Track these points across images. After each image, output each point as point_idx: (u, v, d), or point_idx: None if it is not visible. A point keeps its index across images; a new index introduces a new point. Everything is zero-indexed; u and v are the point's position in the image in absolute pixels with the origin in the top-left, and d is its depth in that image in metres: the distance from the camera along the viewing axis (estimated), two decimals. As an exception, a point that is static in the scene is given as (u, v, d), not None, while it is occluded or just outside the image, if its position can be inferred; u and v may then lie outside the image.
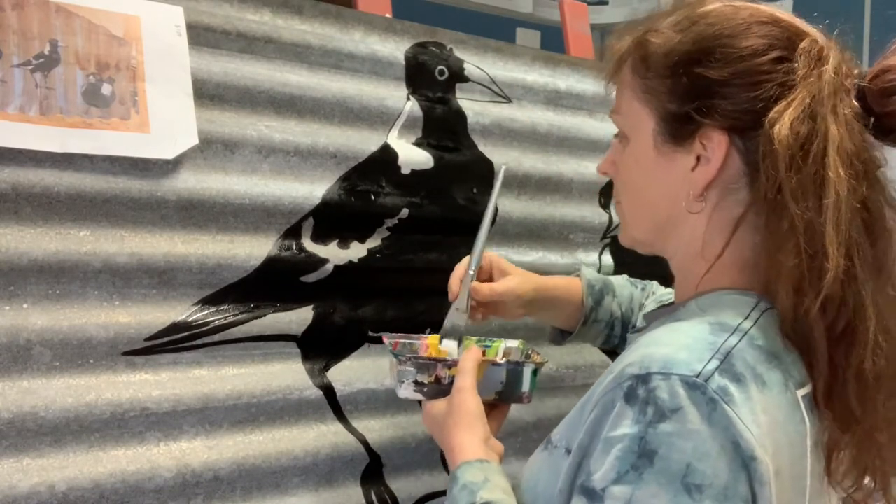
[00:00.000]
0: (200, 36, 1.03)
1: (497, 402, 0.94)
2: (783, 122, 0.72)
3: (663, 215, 0.81)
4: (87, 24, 0.94)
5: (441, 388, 0.91)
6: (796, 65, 0.74)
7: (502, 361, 0.94)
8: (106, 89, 0.94)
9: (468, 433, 0.84)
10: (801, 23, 0.78)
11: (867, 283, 0.72)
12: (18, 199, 0.90)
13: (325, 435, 1.09)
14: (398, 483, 1.14)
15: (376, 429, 1.13)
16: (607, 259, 1.45)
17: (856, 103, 0.75)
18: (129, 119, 0.95)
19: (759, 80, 0.75)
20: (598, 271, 1.31)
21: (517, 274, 1.09)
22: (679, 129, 0.78)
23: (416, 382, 0.92)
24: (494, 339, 1.06)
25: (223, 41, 1.06)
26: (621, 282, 1.18)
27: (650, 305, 1.13)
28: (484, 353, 0.96)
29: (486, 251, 1.06)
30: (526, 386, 0.94)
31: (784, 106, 0.73)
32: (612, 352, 1.32)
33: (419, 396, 0.93)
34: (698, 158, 0.77)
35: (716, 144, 0.76)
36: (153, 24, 0.99)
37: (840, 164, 0.71)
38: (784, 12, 0.79)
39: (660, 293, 1.14)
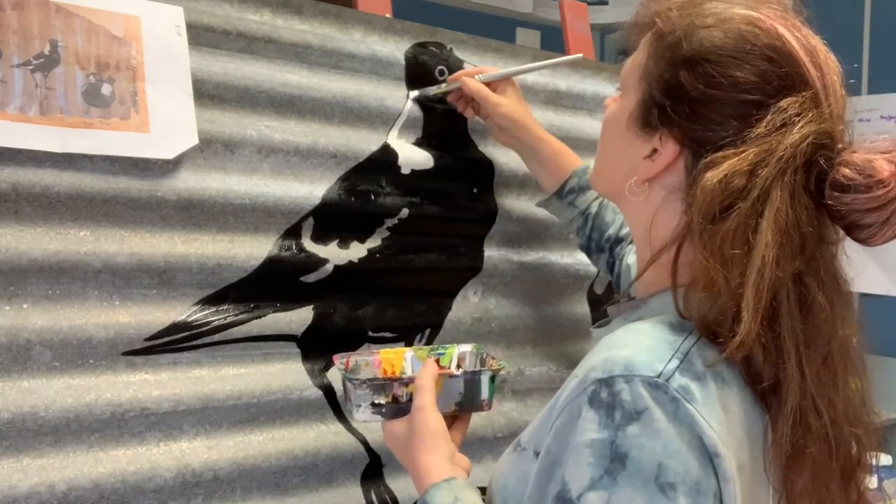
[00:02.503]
0: (200, 36, 1.03)
1: (457, 413, 0.92)
2: (719, 169, 0.69)
3: (615, 184, 0.82)
4: (87, 24, 0.94)
5: (400, 407, 0.88)
6: (764, 119, 0.70)
7: (459, 372, 0.92)
8: (106, 89, 0.94)
9: (432, 454, 0.82)
10: (812, 71, 0.72)
11: (792, 357, 0.69)
12: (18, 199, 0.90)
13: (325, 435, 1.09)
14: (398, 483, 1.14)
15: (376, 428, 1.12)
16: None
17: (812, 179, 0.71)
18: (129, 119, 0.95)
19: (727, 115, 0.71)
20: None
21: (516, 103, 1.20)
22: (650, 118, 0.77)
23: (374, 404, 0.89)
24: (447, 345, 1.02)
25: (223, 41, 1.06)
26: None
27: (630, 256, 1.11)
28: (438, 362, 0.95)
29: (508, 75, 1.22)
30: (485, 393, 0.92)
31: (732, 154, 0.70)
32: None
33: (378, 418, 0.89)
34: (653, 151, 0.77)
35: (668, 149, 0.75)
36: (153, 24, 0.99)
37: (774, 230, 0.68)
38: (811, 50, 0.73)
39: (632, 260, 1.11)
